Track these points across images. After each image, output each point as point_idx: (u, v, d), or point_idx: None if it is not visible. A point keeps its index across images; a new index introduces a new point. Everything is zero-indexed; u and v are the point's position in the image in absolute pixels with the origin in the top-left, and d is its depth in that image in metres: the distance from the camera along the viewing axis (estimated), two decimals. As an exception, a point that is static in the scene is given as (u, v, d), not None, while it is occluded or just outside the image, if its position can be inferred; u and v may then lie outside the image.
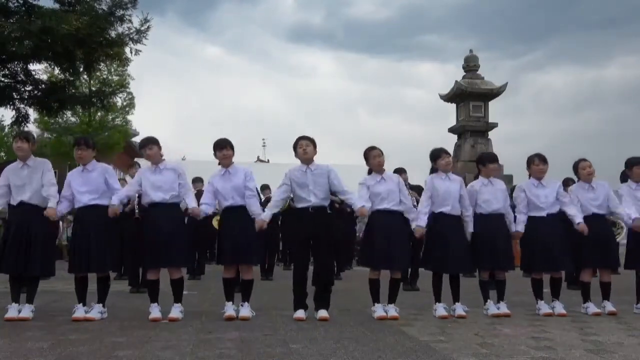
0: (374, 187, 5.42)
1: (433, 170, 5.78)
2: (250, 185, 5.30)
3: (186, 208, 5.39)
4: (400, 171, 8.22)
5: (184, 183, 5.30)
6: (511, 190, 6.40)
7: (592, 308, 5.68)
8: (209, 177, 5.48)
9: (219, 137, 5.42)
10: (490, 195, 5.70)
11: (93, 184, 5.18)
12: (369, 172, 5.57)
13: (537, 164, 5.77)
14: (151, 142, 5.29)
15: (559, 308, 5.63)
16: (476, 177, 6.03)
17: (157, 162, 5.29)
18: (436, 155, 5.69)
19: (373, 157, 5.47)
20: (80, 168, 5.26)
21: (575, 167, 5.94)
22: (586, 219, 5.72)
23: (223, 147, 5.33)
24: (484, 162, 5.85)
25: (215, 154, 5.38)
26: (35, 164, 5.18)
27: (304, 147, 5.30)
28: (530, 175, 5.90)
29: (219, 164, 5.39)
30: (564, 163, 6.06)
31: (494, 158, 5.90)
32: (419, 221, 5.48)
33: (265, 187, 10.63)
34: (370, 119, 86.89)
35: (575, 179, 6.11)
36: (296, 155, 5.38)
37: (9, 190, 5.15)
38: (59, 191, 5.25)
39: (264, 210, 5.35)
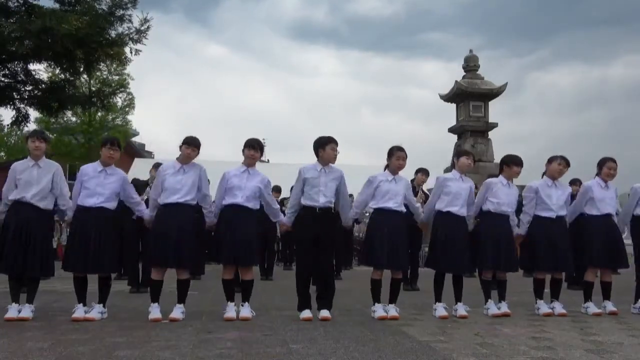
0: (383, 184, 5.43)
1: (451, 167, 5.81)
2: (270, 198, 5.45)
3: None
4: (422, 171, 8.20)
5: (203, 188, 5.29)
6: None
7: (592, 308, 5.68)
8: (225, 171, 5.40)
9: (251, 137, 5.41)
10: (504, 196, 5.70)
11: (108, 188, 5.13)
12: (386, 168, 5.58)
13: (559, 163, 5.80)
14: (196, 144, 5.23)
15: (559, 308, 5.63)
16: (493, 176, 6.02)
17: (187, 163, 5.26)
18: (461, 153, 5.78)
19: (397, 158, 5.46)
20: (99, 167, 5.18)
21: (601, 163, 5.93)
22: (597, 218, 5.77)
23: (252, 148, 5.34)
24: (509, 163, 5.80)
25: (243, 151, 5.37)
26: (45, 166, 5.16)
27: (336, 150, 5.32)
28: (545, 173, 5.90)
29: (244, 162, 5.38)
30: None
31: (519, 161, 5.80)
32: (424, 217, 5.59)
33: (276, 189, 10.28)
34: (373, 119, 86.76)
35: (591, 175, 6.09)
36: (322, 153, 5.31)
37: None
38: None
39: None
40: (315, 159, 5.40)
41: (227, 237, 5.16)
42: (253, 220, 5.28)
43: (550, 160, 5.87)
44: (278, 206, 5.53)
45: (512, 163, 5.78)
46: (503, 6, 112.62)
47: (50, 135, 24.92)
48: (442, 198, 5.59)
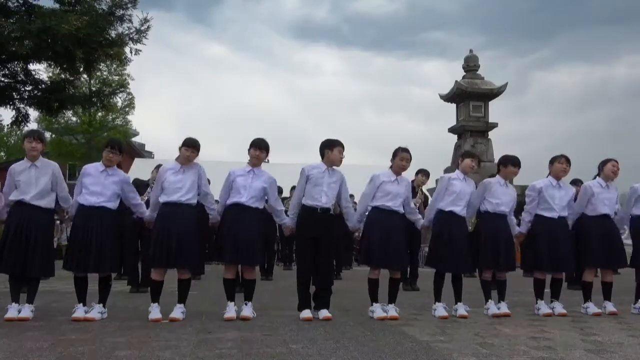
0: (385, 184, 5.43)
1: (455, 167, 5.82)
2: (275, 199, 5.45)
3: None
4: (422, 172, 8.19)
5: (203, 186, 5.31)
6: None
7: (592, 308, 5.69)
8: (230, 170, 5.42)
9: (257, 137, 5.43)
10: (502, 197, 5.72)
11: (109, 188, 5.14)
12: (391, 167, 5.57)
13: (562, 162, 5.81)
14: (196, 146, 5.24)
15: (559, 308, 5.64)
16: (492, 176, 6.04)
17: (186, 164, 5.27)
18: (467, 155, 5.81)
19: (400, 159, 5.46)
20: (101, 167, 5.20)
21: (603, 164, 5.94)
22: (596, 218, 5.78)
23: (257, 148, 5.35)
24: (506, 164, 5.81)
25: (249, 151, 5.39)
26: (43, 165, 5.16)
27: (343, 154, 5.35)
28: (549, 174, 5.90)
29: (249, 162, 5.39)
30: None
31: (516, 162, 5.80)
32: (426, 221, 5.61)
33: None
34: (374, 118, 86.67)
35: (592, 176, 6.10)
36: (328, 154, 5.33)
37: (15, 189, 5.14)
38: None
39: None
40: (319, 159, 5.40)
41: (230, 236, 5.16)
42: (257, 219, 5.28)
43: (553, 161, 5.88)
44: (282, 207, 5.52)
45: (509, 163, 5.79)
46: (505, 5, 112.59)
47: (51, 135, 25.03)
48: (445, 197, 5.60)
